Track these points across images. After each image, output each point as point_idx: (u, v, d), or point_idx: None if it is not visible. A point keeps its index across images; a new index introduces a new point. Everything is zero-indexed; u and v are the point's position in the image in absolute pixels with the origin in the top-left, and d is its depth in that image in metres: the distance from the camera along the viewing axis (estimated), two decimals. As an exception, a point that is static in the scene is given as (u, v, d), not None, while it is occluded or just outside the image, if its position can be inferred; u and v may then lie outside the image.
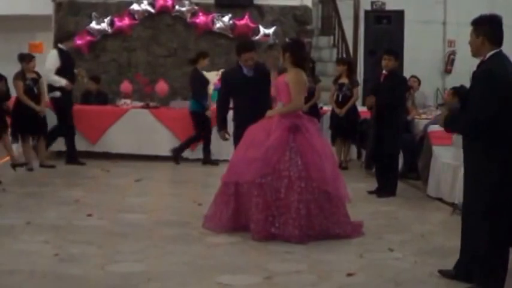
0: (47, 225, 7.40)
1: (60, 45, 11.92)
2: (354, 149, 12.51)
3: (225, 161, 11.12)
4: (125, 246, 6.63)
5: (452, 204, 8.22)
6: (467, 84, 5.72)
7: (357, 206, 8.15)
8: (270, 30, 14.62)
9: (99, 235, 7.02)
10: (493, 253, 5.16)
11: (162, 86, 13.26)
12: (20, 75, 11.03)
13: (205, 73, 13.61)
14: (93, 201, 8.78)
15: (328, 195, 6.94)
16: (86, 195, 9.17)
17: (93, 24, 14.64)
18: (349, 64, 12.28)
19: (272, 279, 5.66)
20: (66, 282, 5.50)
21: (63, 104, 11.78)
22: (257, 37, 14.48)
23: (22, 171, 10.89)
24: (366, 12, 14.40)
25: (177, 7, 14.74)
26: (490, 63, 5.14)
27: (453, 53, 17.31)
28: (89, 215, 7.88)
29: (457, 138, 7.82)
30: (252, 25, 14.72)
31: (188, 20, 14.77)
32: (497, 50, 5.19)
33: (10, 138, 11.17)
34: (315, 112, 11.14)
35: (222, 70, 10.22)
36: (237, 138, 7.56)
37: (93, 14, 14.65)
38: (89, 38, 14.68)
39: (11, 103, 11.02)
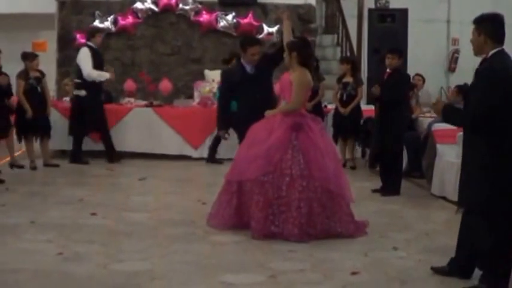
0: (50, 224, 7.40)
1: (89, 43, 11.94)
2: (357, 148, 12.50)
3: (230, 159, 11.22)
4: (129, 245, 6.63)
5: (457, 203, 8.20)
6: (472, 83, 5.73)
7: (361, 204, 8.14)
8: (274, 29, 14.59)
9: (103, 234, 7.01)
10: (496, 250, 5.17)
11: (165, 85, 13.26)
12: (23, 74, 11.03)
13: (208, 72, 13.66)
14: (97, 200, 8.78)
15: (331, 194, 6.93)
16: (89, 194, 9.17)
17: (97, 23, 14.62)
18: (353, 63, 12.24)
19: (276, 278, 5.65)
20: (69, 281, 5.50)
21: (86, 103, 11.78)
22: (261, 35, 14.46)
23: (25, 170, 10.90)
24: (370, 10, 14.36)
25: (180, 5, 14.72)
26: (492, 61, 5.16)
27: (457, 51, 17.30)
28: (93, 214, 7.88)
29: (461, 137, 7.80)
30: (255, 23, 14.71)
31: (192, 18, 14.76)
32: (500, 48, 5.20)
33: (15, 137, 11.20)
34: (318, 110, 11.11)
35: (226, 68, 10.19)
36: (243, 137, 7.56)
37: (97, 12, 14.65)
38: (92, 36, 14.66)
39: (14, 102, 11.02)
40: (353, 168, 11.60)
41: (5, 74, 10.24)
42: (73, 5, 14.77)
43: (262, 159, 6.80)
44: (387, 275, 5.77)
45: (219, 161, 11.86)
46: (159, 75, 14.00)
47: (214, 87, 12.55)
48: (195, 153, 12.55)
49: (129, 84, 13.32)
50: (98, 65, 11.86)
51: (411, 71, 11.73)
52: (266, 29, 14.69)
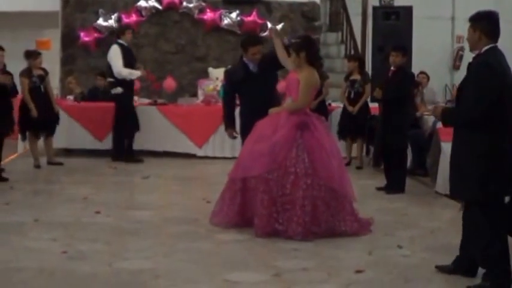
0: (55, 222, 7.40)
1: (119, 41, 11.93)
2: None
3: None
4: (133, 243, 6.63)
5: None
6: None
7: (366, 202, 8.14)
8: (278, 27, 14.56)
9: (107, 232, 7.01)
10: (494, 245, 5.21)
11: (169, 83, 13.26)
12: (26, 72, 11.02)
13: (212, 70, 13.65)
14: (101, 198, 8.78)
15: (335, 193, 6.93)
16: (94, 192, 9.17)
17: (100, 21, 14.63)
18: (360, 60, 12.21)
19: (280, 276, 5.64)
20: (74, 279, 5.49)
21: (124, 100, 11.81)
22: (265, 33, 14.44)
23: (30, 168, 10.90)
24: (374, 8, 14.32)
25: (184, 3, 14.72)
26: (485, 56, 5.26)
27: (462, 48, 17.24)
28: (97, 212, 7.88)
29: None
30: (259, 21, 14.69)
31: (196, 16, 14.76)
32: (493, 44, 5.30)
33: (19, 135, 11.20)
34: (322, 109, 11.09)
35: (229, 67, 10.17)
36: (245, 135, 7.55)
37: (100, 10, 14.64)
38: (96, 34, 14.66)
39: (17, 100, 10.99)
40: (359, 168, 11.55)
41: (9, 73, 10.22)
42: (77, 3, 14.77)
43: (266, 156, 6.79)
44: (391, 273, 5.76)
45: None
46: (163, 74, 14.00)
47: (218, 85, 12.54)
48: (199, 152, 12.54)
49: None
50: (129, 62, 11.82)
51: (416, 68, 11.70)
52: (270, 26, 14.65)
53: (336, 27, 16.81)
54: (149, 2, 14.72)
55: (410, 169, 10.36)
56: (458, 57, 17.52)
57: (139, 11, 14.76)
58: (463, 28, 17.00)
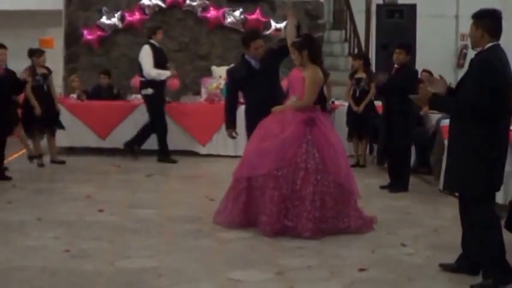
0: (57, 221, 7.40)
1: (150, 41, 11.89)
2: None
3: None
4: (136, 242, 6.62)
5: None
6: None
7: (370, 201, 8.12)
8: (281, 25, 14.54)
9: (110, 231, 7.01)
10: (492, 240, 5.25)
11: (172, 81, 13.23)
12: (29, 71, 11.00)
13: (216, 68, 13.62)
14: (104, 197, 8.78)
15: (342, 189, 6.96)
16: (96, 191, 9.17)
17: (104, 19, 14.63)
18: (365, 58, 12.15)
19: (283, 274, 5.63)
20: (77, 278, 5.49)
21: (155, 100, 11.77)
22: (268, 31, 14.44)
23: (33, 167, 10.90)
24: (378, 6, 14.30)
25: (187, 1, 14.69)
26: (488, 53, 5.30)
27: (466, 47, 17.18)
28: (100, 211, 7.88)
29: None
30: (263, 19, 14.67)
31: (199, 14, 14.73)
32: (496, 42, 5.34)
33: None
34: (322, 107, 11.03)
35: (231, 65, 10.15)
36: (251, 133, 7.54)
37: (104, 8, 14.64)
38: (99, 33, 14.66)
39: (20, 98, 11.00)
40: (363, 166, 11.52)
41: (12, 71, 10.22)
42: (80, 1, 14.76)
43: (275, 153, 6.79)
44: (395, 272, 5.75)
45: None
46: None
47: (222, 83, 12.53)
48: (202, 150, 12.54)
49: (136, 81, 13.28)
50: (159, 62, 11.77)
51: (419, 66, 11.66)
52: (274, 25, 14.64)
53: (340, 25, 16.77)
54: (152, 0, 14.70)
55: (414, 167, 10.33)
56: (462, 56, 17.47)
57: (142, 9, 14.74)
58: (467, 26, 16.80)
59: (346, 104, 11.93)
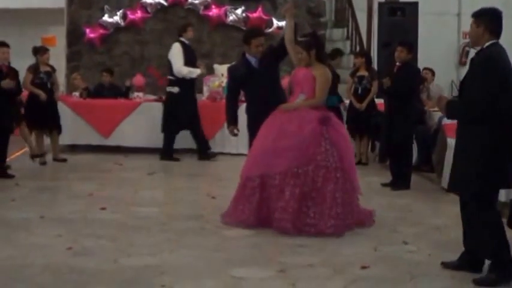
0: (60, 219, 7.41)
1: (181, 38, 11.83)
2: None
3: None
4: (139, 239, 6.63)
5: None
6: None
7: (371, 198, 8.13)
8: (283, 23, 14.51)
9: (113, 229, 7.02)
10: (496, 238, 5.28)
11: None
12: (33, 68, 11.02)
13: (218, 66, 13.62)
14: (106, 194, 8.79)
15: (352, 184, 7.03)
16: (99, 188, 9.18)
17: (106, 18, 14.66)
18: (367, 56, 12.14)
19: (286, 272, 5.64)
20: (79, 275, 5.49)
21: (178, 100, 11.68)
22: (270, 29, 14.45)
23: (35, 165, 10.91)
24: (380, 4, 14.29)
25: (189, 0, 14.71)
26: (489, 51, 5.33)
27: (468, 44, 17.14)
28: (103, 209, 7.88)
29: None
30: (265, 18, 14.69)
31: (201, 12, 14.75)
32: (496, 40, 5.38)
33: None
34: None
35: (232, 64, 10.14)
36: (252, 130, 7.54)
37: (106, 7, 14.66)
38: (101, 31, 14.70)
39: (24, 96, 11.00)
40: (364, 164, 11.51)
41: (14, 70, 10.23)
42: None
43: (294, 151, 6.81)
44: (397, 270, 5.75)
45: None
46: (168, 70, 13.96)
47: (224, 81, 12.51)
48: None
49: (138, 79, 13.32)
50: (189, 60, 11.69)
51: (421, 64, 11.68)
52: (276, 23, 14.66)
53: (342, 23, 16.76)
54: (154, -2, 14.74)
55: (416, 165, 10.33)
56: (464, 54, 17.46)
57: (144, 7, 14.76)
58: (469, 24, 16.97)
59: (347, 101, 11.93)
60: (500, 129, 5.23)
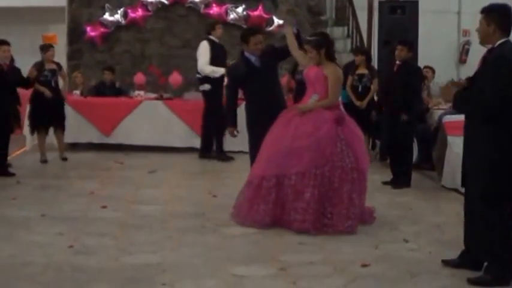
0: (61, 217, 7.43)
1: (210, 36, 11.77)
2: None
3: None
4: (140, 237, 6.64)
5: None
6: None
7: (372, 197, 8.11)
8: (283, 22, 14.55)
9: (114, 227, 7.03)
10: (500, 239, 5.25)
11: (175, 78, 13.24)
12: (38, 66, 10.98)
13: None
14: (107, 193, 8.80)
15: (361, 183, 7.06)
16: (100, 187, 9.19)
17: (107, 16, 14.64)
18: (366, 54, 12.12)
19: (286, 270, 5.65)
20: (80, 273, 5.51)
21: (212, 96, 11.64)
22: (271, 28, 14.44)
23: (36, 163, 10.92)
24: (380, 2, 14.26)
25: (190, -2, 14.72)
26: (502, 50, 5.25)
27: (468, 43, 17.19)
28: (104, 207, 7.90)
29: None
30: (265, 16, 14.67)
31: (202, 11, 14.73)
32: (506, 38, 5.31)
33: (28, 129, 11.21)
34: None
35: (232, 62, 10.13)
36: (253, 129, 7.53)
37: (107, 5, 14.64)
38: (102, 29, 14.67)
39: (24, 95, 10.99)
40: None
41: (17, 68, 10.23)
42: (83, -2, 14.79)
43: (313, 151, 6.83)
44: (398, 268, 5.76)
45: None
46: (169, 68, 13.97)
47: (224, 80, 12.51)
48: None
49: (139, 77, 13.31)
50: (217, 58, 11.56)
51: (422, 62, 11.67)
52: (276, 21, 14.64)
53: (342, 21, 16.75)
54: (155, -4, 14.73)
55: (417, 163, 10.34)
56: (464, 51, 17.47)
57: (145, 5, 14.74)
58: (469, 22, 16.99)
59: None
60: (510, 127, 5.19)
